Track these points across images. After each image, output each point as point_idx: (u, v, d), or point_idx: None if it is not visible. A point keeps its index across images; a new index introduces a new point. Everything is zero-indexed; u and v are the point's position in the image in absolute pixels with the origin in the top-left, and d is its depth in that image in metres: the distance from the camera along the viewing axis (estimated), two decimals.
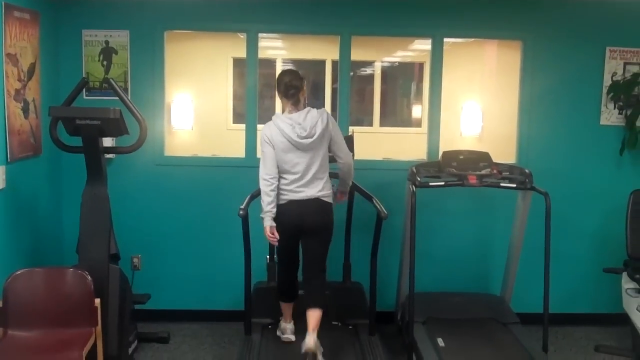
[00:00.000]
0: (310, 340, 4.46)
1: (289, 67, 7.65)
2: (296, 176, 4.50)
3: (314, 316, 4.57)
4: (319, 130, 4.46)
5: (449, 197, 5.69)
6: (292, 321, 4.92)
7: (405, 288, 5.19)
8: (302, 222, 4.54)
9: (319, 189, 4.54)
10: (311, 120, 4.48)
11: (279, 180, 4.52)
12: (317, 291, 4.68)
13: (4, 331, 4.15)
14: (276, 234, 4.57)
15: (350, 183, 4.89)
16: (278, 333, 4.93)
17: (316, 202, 4.53)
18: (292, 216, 4.53)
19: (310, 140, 4.45)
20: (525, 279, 5.59)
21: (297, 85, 4.55)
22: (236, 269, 5.13)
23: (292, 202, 4.52)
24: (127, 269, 5.42)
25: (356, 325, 5.23)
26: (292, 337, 4.86)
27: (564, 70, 5.74)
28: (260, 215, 4.54)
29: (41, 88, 5.18)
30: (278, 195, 4.53)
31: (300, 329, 4.66)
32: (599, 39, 5.71)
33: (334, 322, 5.16)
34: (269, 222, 4.54)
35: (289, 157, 4.49)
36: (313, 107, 4.60)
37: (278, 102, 7.90)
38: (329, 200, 4.61)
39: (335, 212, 4.69)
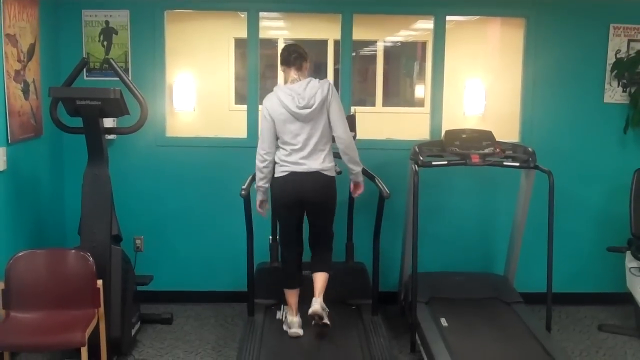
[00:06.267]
0: (317, 304, 4.52)
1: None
2: (296, 147, 4.47)
3: (320, 279, 4.62)
4: (318, 100, 4.41)
5: (451, 177, 5.68)
6: (299, 314, 4.77)
7: (408, 268, 5.19)
8: (302, 196, 4.52)
9: (320, 161, 4.50)
10: (311, 90, 4.44)
11: (275, 154, 4.54)
12: (323, 256, 4.72)
13: (6, 313, 4.16)
14: (265, 207, 4.68)
15: (357, 169, 4.68)
16: (285, 328, 4.79)
17: (317, 175, 4.50)
18: (293, 188, 4.51)
19: (308, 110, 4.41)
20: (528, 258, 5.59)
21: (300, 52, 4.55)
22: (239, 250, 5.15)
23: (293, 174, 4.50)
24: (130, 251, 5.41)
25: (359, 305, 5.23)
26: (300, 332, 4.70)
27: (567, 48, 5.70)
28: (254, 186, 4.62)
29: (41, 69, 5.15)
30: (279, 166, 4.54)
31: (305, 310, 4.66)
32: (602, 16, 5.66)
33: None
34: (260, 196, 4.64)
35: (288, 127, 4.46)
36: (316, 78, 4.55)
37: (280, 83, 7.90)
38: (331, 173, 4.57)
39: (337, 191, 4.66)
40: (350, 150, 4.60)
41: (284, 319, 4.90)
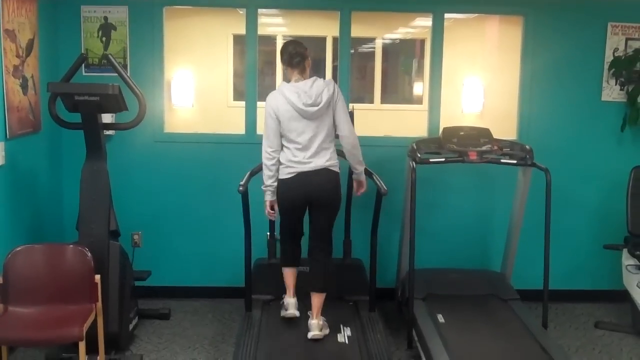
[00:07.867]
0: (315, 329, 4.55)
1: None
2: (301, 145, 4.45)
3: (317, 300, 4.61)
4: (324, 98, 4.41)
5: (449, 174, 5.69)
6: (295, 296, 4.79)
7: (405, 264, 5.20)
8: (311, 194, 4.50)
9: (326, 158, 4.49)
10: (317, 88, 4.43)
11: (282, 152, 4.51)
12: (320, 271, 4.68)
13: (4, 307, 4.16)
14: (276, 209, 4.62)
15: (361, 168, 4.71)
16: (282, 313, 4.83)
17: (324, 171, 4.49)
18: (301, 189, 4.48)
19: (315, 108, 4.40)
20: (525, 255, 5.59)
21: (302, 53, 4.52)
22: (236, 246, 5.14)
23: (300, 175, 4.47)
24: (128, 246, 5.41)
25: (356, 301, 5.24)
26: (297, 313, 4.75)
27: (565, 46, 5.71)
28: (262, 188, 4.57)
29: (40, 64, 5.16)
30: (285, 167, 4.51)
31: (302, 305, 4.71)
32: (600, 15, 5.67)
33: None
34: (269, 197, 4.58)
35: (294, 125, 4.44)
36: (320, 78, 4.55)
37: (279, 80, 7.91)
38: (336, 169, 4.56)
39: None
40: (356, 149, 4.61)
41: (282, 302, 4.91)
